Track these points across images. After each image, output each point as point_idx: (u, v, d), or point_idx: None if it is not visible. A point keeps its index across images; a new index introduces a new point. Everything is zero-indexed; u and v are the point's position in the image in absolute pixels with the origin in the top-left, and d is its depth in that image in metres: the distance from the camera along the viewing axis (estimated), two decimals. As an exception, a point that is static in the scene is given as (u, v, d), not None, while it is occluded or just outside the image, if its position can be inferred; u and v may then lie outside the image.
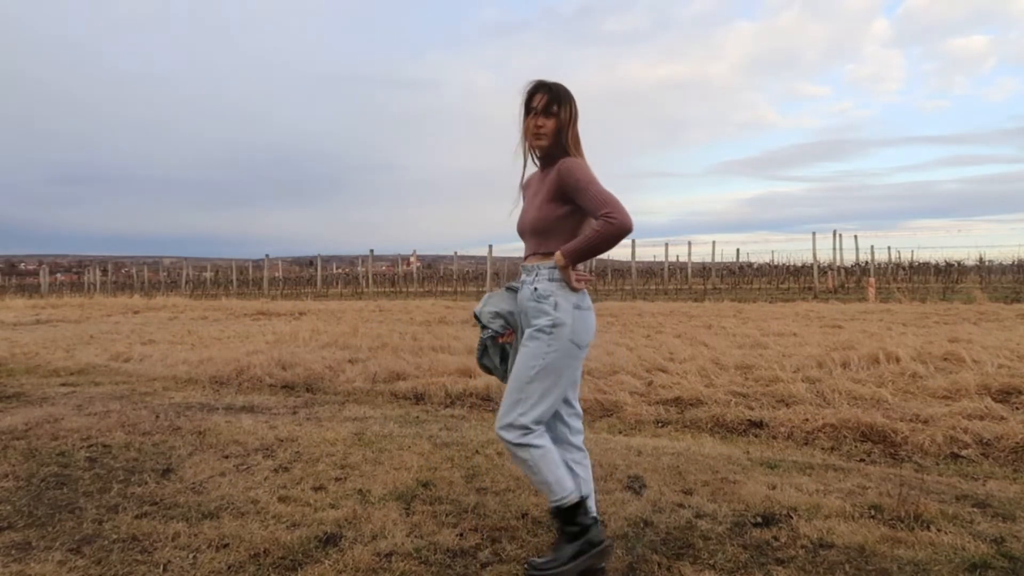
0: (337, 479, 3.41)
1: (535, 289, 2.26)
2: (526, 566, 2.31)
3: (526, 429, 2.21)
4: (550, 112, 2.28)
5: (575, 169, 2.20)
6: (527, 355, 2.23)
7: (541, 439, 2.23)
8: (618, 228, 2.11)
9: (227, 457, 3.84)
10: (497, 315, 2.35)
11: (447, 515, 2.91)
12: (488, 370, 2.43)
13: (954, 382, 5.36)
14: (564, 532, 2.27)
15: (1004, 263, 30.35)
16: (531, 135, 2.32)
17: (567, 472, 2.27)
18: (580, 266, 2.30)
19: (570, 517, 2.24)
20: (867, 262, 29.56)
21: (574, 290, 2.26)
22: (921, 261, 31.53)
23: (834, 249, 27.81)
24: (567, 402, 2.39)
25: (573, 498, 2.24)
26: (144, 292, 35.07)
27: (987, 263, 29.53)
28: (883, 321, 11.07)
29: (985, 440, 4.05)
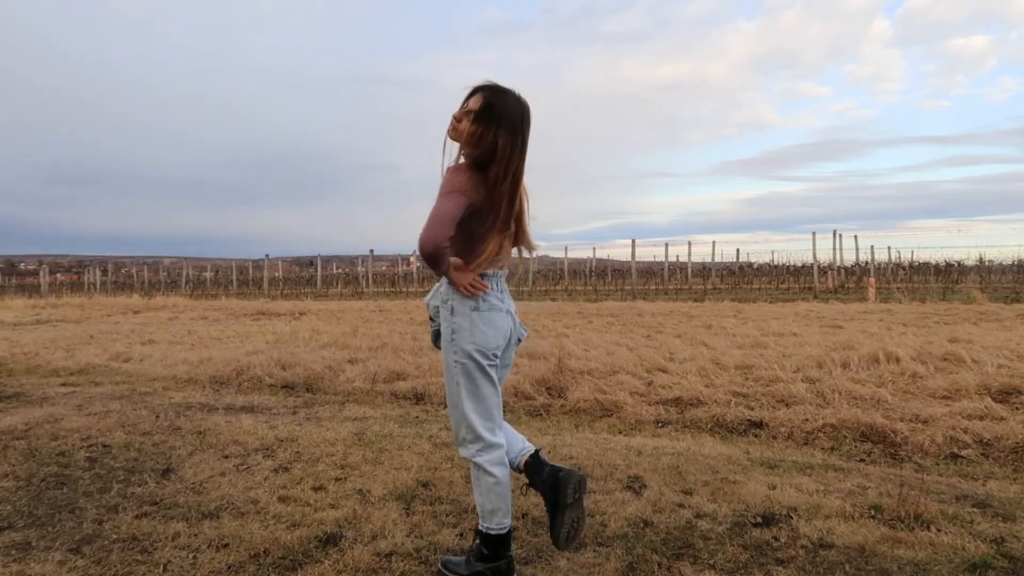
0: (337, 479, 3.41)
1: (441, 291, 2.30)
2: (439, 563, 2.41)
3: (478, 440, 2.25)
4: (475, 120, 2.14)
5: (446, 177, 2.15)
6: (446, 370, 2.28)
7: (498, 468, 2.26)
8: (418, 244, 2.08)
9: (227, 457, 3.84)
10: (439, 309, 2.36)
11: (447, 515, 2.91)
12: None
13: (954, 382, 5.37)
14: (479, 551, 2.31)
15: (1004, 263, 30.35)
16: (450, 126, 2.20)
17: (510, 506, 2.30)
18: (496, 272, 2.27)
19: (491, 544, 2.29)
20: (867, 262, 29.57)
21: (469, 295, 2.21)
22: (921, 261, 31.54)
23: (834, 249, 27.85)
24: None
25: (502, 531, 2.28)
26: (144, 292, 35.05)
27: (987, 263, 29.52)
28: (883, 321, 11.07)
29: (985, 440, 4.05)
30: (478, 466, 2.26)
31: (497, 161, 2.14)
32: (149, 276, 49.45)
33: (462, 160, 2.23)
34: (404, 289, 35.03)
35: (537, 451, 2.40)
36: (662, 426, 4.80)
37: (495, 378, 2.27)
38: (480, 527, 2.32)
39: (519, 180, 2.19)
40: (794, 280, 31.06)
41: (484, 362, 2.23)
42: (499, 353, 2.27)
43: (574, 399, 5.37)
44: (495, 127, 2.13)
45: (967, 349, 6.77)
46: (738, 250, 36.32)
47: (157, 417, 4.85)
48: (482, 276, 2.23)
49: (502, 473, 2.27)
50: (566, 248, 37.56)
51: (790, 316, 12.48)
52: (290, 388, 6.33)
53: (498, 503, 2.26)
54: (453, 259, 2.21)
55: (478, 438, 2.25)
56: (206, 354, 8.18)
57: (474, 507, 2.95)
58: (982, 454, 3.93)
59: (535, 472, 2.35)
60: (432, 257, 2.10)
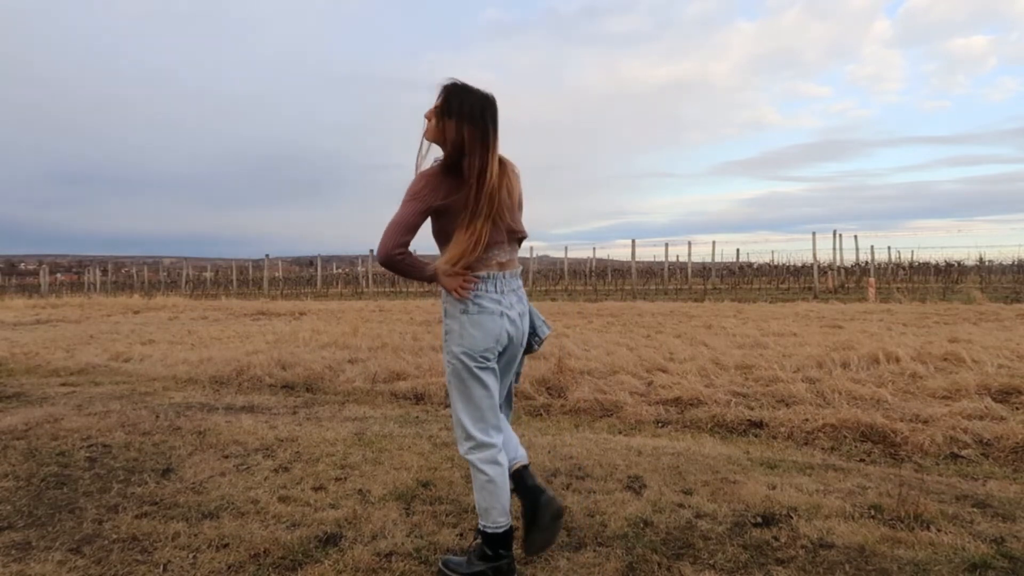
0: (337, 479, 3.41)
1: (442, 295, 2.34)
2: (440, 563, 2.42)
3: (469, 438, 2.28)
4: (440, 115, 2.20)
5: (411, 183, 2.20)
6: (445, 370, 2.34)
7: (489, 466, 2.27)
8: (376, 253, 2.17)
9: (227, 457, 3.84)
10: None
11: (447, 515, 2.91)
12: None
13: (954, 382, 5.36)
14: (481, 550, 2.32)
15: (1004, 263, 30.34)
16: (425, 128, 2.26)
17: (507, 505, 2.31)
18: (493, 274, 2.28)
19: (490, 543, 2.30)
20: (867, 262, 29.56)
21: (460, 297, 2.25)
22: (921, 261, 31.51)
23: (834, 249, 27.84)
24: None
25: (499, 530, 2.29)
26: (144, 292, 35.06)
27: (987, 263, 29.51)
28: (883, 321, 11.07)
29: (985, 440, 4.05)
30: (472, 463, 2.29)
31: (467, 153, 2.17)
32: (149, 276, 49.44)
33: (435, 161, 2.25)
34: (404, 289, 35.00)
35: (527, 465, 2.42)
36: (662, 426, 4.80)
37: (486, 380, 2.28)
38: (479, 525, 2.33)
39: (487, 173, 2.18)
40: (794, 280, 31.06)
41: (472, 364, 2.24)
42: (490, 356, 2.27)
43: (574, 399, 5.38)
44: (457, 119, 2.16)
45: (967, 349, 6.77)
46: (738, 250, 36.35)
47: (157, 417, 4.85)
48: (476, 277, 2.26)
49: (495, 472, 2.27)
50: (566, 248, 37.64)
51: (790, 316, 12.48)
52: (290, 388, 6.33)
53: (492, 502, 2.27)
54: (440, 265, 2.26)
55: (470, 437, 2.28)
56: (206, 354, 8.18)
57: (474, 507, 2.96)
58: (982, 454, 3.93)
59: (519, 482, 2.38)
60: (387, 265, 2.18)
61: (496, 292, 2.28)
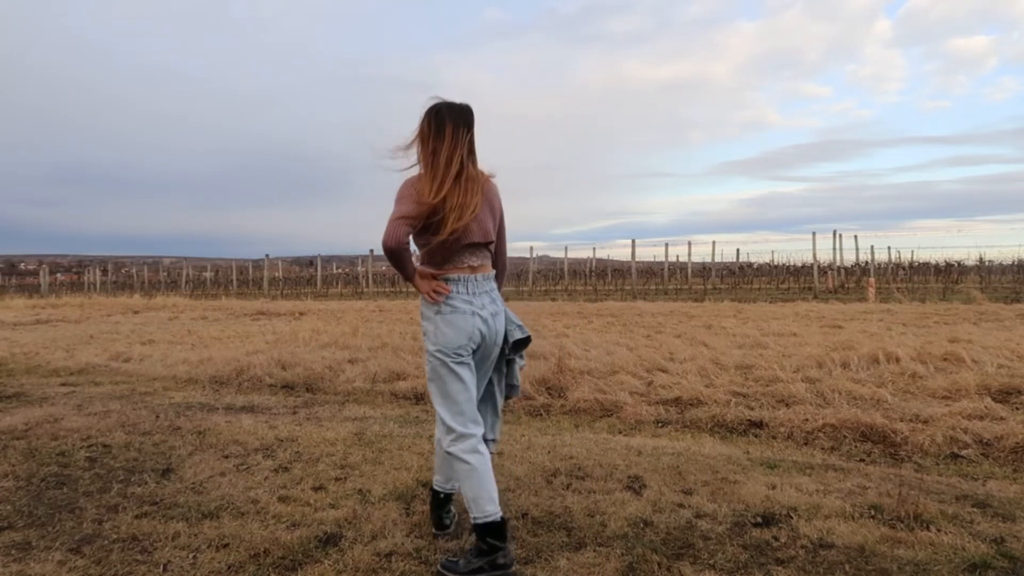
0: (337, 479, 3.41)
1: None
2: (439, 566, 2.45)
3: (450, 431, 2.40)
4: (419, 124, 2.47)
5: (399, 189, 2.39)
6: (425, 371, 2.50)
7: (470, 455, 2.37)
8: (381, 244, 2.30)
9: (227, 457, 3.84)
10: None
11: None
12: None
13: (954, 382, 5.36)
14: (477, 547, 2.35)
15: (1004, 263, 30.33)
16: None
17: (493, 494, 2.36)
18: (464, 277, 2.42)
19: (482, 533, 2.34)
20: (867, 262, 29.56)
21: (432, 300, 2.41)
22: (921, 261, 31.51)
23: (834, 249, 27.84)
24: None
25: (488, 519, 2.32)
26: (144, 292, 35.05)
27: (987, 263, 29.48)
28: (883, 321, 11.07)
29: (985, 440, 4.05)
30: (453, 455, 2.38)
31: (424, 141, 2.40)
32: (149, 276, 49.43)
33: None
34: (404, 289, 34.99)
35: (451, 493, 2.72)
36: (662, 426, 4.80)
37: (462, 374, 2.40)
38: (471, 519, 2.37)
39: (439, 153, 2.35)
40: (794, 280, 31.05)
41: (448, 360, 2.38)
42: (464, 352, 2.40)
43: (574, 399, 5.37)
44: (423, 119, 2.43)
45: (967, 349, 6.77)
46: (738, 250, 36.38)
47: (157, 417, 4.85)
48: (447, 280, 2.41)
49: (477, 460, 2.36)
50: (566, 248, 37.70)
51: (790, 316, 12.48)
52: (290, 388, 6.33)
53: (478, 490, 2.33)
54: (420, 268, 2.45)
55: (450, 430, 2.40)
56: (206, 354, 8.18)
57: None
58: (982, 454, 3.93)
59: (444, 500, 2.72)
60: (394, 252, 2.29)
61: (468, 293, 2.43)
